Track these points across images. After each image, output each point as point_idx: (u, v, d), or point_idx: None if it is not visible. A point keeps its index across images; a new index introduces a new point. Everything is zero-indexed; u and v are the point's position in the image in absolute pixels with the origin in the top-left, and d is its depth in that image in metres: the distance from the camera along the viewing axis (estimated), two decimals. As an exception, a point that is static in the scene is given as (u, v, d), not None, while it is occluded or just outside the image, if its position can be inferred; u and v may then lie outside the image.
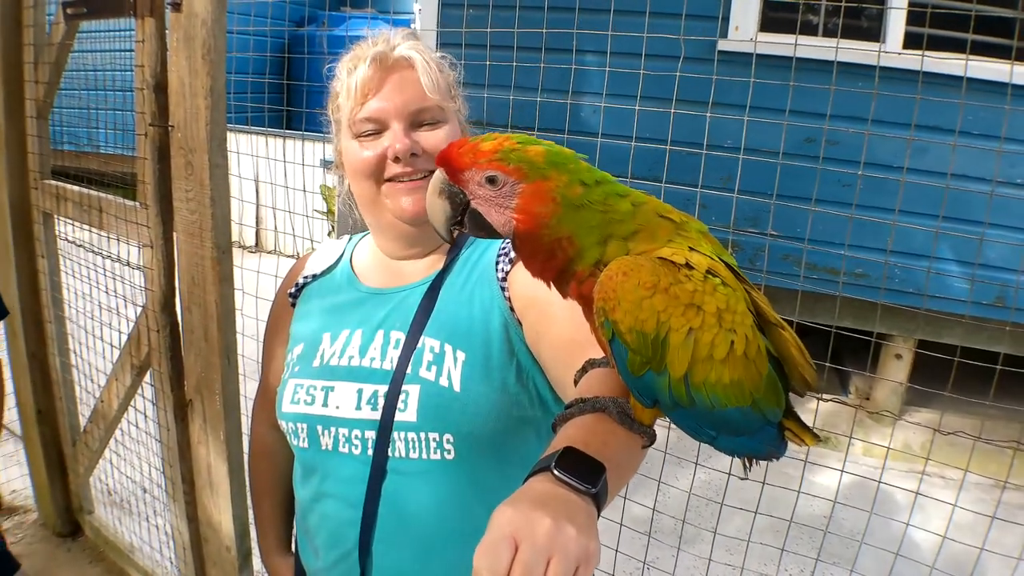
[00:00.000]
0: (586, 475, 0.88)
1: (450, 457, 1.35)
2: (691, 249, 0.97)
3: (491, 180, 0.93)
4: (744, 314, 0.95)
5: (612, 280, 0.92)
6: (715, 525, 2.74)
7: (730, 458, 2.59)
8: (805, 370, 1.01)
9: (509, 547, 0.75)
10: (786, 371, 1.02)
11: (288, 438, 1.51)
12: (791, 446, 1.08)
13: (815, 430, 1.08)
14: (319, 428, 1.42)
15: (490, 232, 0.99)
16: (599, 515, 0.89)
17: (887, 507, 3.73)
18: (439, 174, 0.97)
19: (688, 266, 0.93)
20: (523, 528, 0.77)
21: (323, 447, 1.43)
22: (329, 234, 7.04)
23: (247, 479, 2.05)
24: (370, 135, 1.42)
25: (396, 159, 1.40)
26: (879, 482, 2.58)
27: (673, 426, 1.07)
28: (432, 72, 1.41)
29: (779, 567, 2.95)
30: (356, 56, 1.44)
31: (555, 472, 0.87)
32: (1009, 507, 3.29)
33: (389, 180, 1.43)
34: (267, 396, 1.73)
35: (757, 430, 1.01)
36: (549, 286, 1.01)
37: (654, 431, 1.03)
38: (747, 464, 1.13)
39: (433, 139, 1.42)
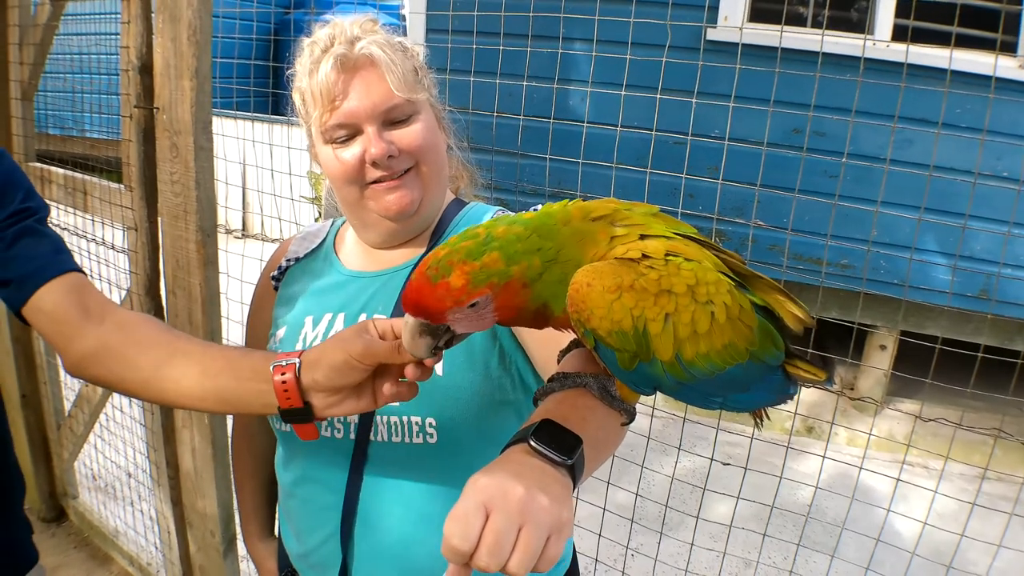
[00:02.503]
0: (563, 447, 0.89)
1: (432, 441, 1.35)
2: (642, 237, 0.99)
3: (472, 306, 0.96)
4: (717, 282, 0.96)
5: (579, 293, 0.94)
6: (700, 512, 2.76)
7: (713, 445, 2.60)
8: (793, 308, 1.04)
9: (481, 515, 0.76)
10: (777, 315, 1.04)
11: (271, 421, 1.51)
12: (773, 440, 1.10)
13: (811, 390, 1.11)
14: None
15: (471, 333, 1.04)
16: (575, 488, 0.90)
17: (871, 496, 3.75)
18: (414, 321, 0.99)
19: (645, 256, 0.96)
20: (496, 497, 0.77)
21: None
22: (316, 220, 7.02)
23: (231, 463, 2.04)
24: (344, 140, 1.40)
25: (374, 163, 1.39)
26: (860, 468, 2.60)
27: (656, 413, 1.09)
28: (397, 67, 1.38)
29: (760, 553, 2.97)
30: (315, 57, 1.40)
31: (532, 443, 0.88)
32: (992, 497, 3.31)
33: (371, 183, 1.41)
34: None
35: (762, 379, 1.03)
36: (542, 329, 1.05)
37: (634, 409, 1.05)
38: (759, 420, 1.16)
39: (408, 136, 1.40)
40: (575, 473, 0.89)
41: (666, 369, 0.96)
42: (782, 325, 1.05)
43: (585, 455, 0.92)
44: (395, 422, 1.35)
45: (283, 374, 1.15)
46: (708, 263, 0.98)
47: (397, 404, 1.33)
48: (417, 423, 1.34)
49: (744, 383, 1.02)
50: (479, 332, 1.37)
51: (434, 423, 1.34)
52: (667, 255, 0.96)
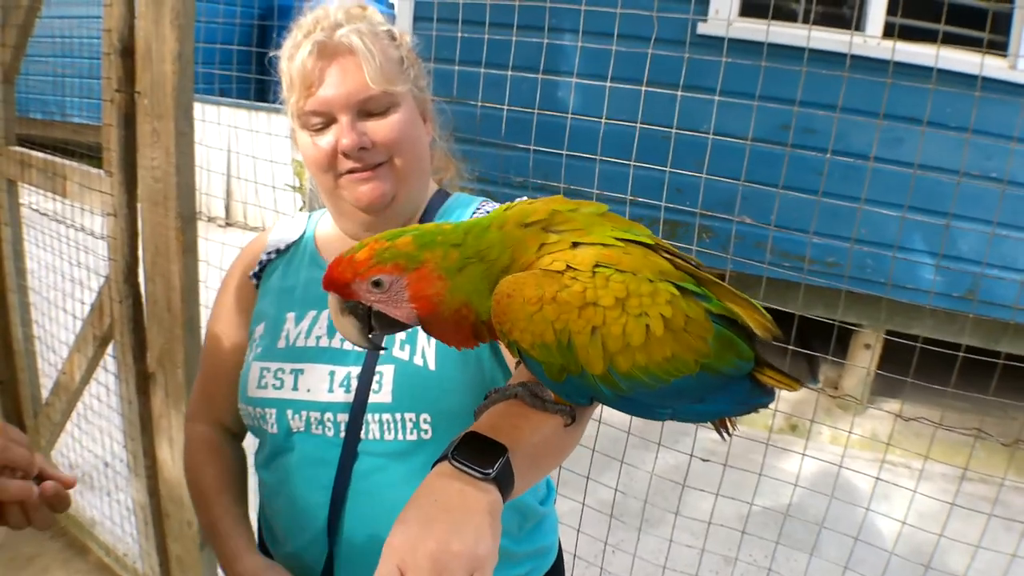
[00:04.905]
0: (485, 460, 0.91)
1: (427, 437, 1.33)
2: (575, 244, 0.99)
3: (377, 284, 0.98)
4: (655, 293, 0.95)
5: (500, 304, 0.95)
6: (682, 509, 2.75)
7: (693, 441, 2.58)
8: (758, 317, 1.03)
9: None
10: (742, 323, 1.03)
11: (252, 422, 1.47)
12: (755, 438, 1.10)
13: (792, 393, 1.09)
14: (289, 412, 1.39)
15: (400, 326, 1.04)
16: (508, 497, 0.92)
17: (854, 495, 3.76)
18: (333, 297, 1.02)
19: (570, 268, 0.96)
20: (407, 557, 0.81)
21: (294, 430, 1.40)
22: (301, 209, 6.98)
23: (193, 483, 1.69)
24: (320, 128, 1.38)
25: (345, 154, 1.37)
26: (840, 466, 2.59)
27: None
28: (375, 59, 1.35)
29: (740, 551, 2.96)
30: (296, 41, 1.38)
31: (452, 461, 0.91)
32: (973, 498, 3.32)
33: (344, 173, 1.40)
34: (211, 389, 1.62)
35: (721, 389, 1.02)
36: (472, 347, 1.06)
37: (570, 408, 1.05)
38: (725, 429, 1.14)
39: (383, 129, 1.38)
40: (502, 484, 0.91)
41: (599, 382, 0.96)
42: (751, 333, 1.03)
43: (520, 461, 0.94)
44: (387, 419, 1.33)
45: None
46: (647, 272, 0.97)
47: (390, 401, 1.32)
48: (411, 419, 1.33)
49: (696, 394, 1.01)
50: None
51: (429, 419, 1.33)
52: (596, 266, 0.95)
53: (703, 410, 1.05)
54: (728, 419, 1.12)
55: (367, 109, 1.37)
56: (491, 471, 0.89)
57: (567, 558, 2.80)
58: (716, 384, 1.01)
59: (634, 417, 1.04)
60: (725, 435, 1.15)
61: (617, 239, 1.00)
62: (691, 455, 2.51)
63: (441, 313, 0.99)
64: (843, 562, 2.63)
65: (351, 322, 1.03)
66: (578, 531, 2.62)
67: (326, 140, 1.38)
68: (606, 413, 2.06)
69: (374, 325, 1.04)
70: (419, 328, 1.35)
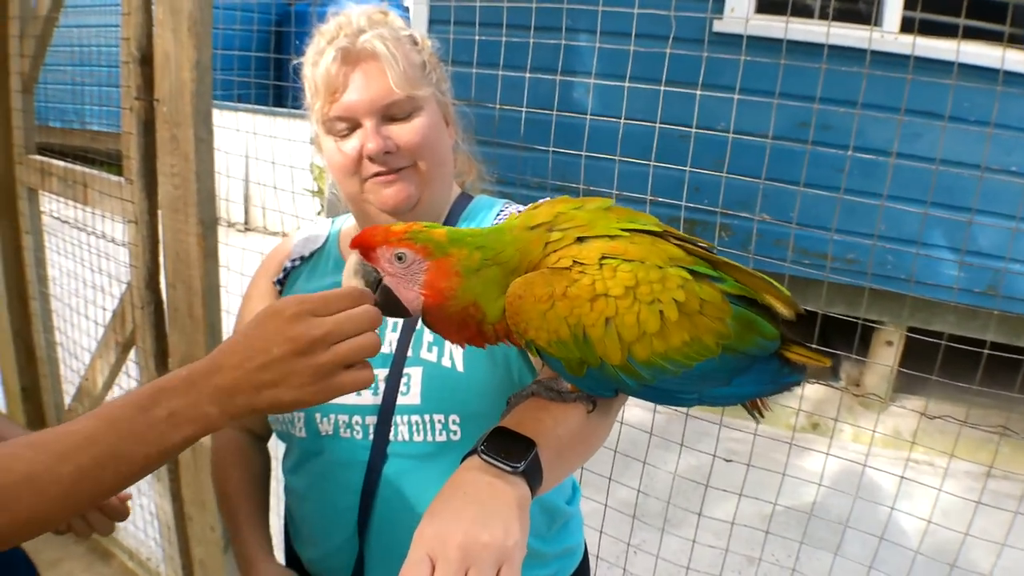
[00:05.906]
0: (513, 454, 0.92)
1: (456, 438, 1.34)
2: (579, 239, 1.00)
3: (400, 257, 0.99)
4: (665, 279, 0.96)
5: (512, 305, 0.97)
6: (705, 509, 2.74)
7: (716, 441, 2.57)
8: (779, 295, 1.03)
9: (426, 567, 0.81)
10: (763, 303, 1.03)
11: (279, 428, 1.48)
12: (777, 437, 1.09)
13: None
14: (317, 416, 1.40)
15: (401, 311, 1.03)
16: (536, 492, 0.93)
17: (876, 494, 3.73)
18: (355, 256, 1.03)
19: (577, 263, 0.97)
20: (437, 547, 0.82)
21: (322, 433, 1.40)
22: (319, 213, 7.00)
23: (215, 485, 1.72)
24: (345, 133, 1.39)
25: (370, 159, 1.38)
26: (864, 465, 2.57)
27: (659, 408, 1.07)
28: (398, 63, 1.36)
29: (763, 551, 2.95)
30: (319, 48, 1.39)
31: (482, 455, 0.92)
32: (997, 495, 3.28)
33: (369, 177, 1.40)
34: None
35: (747, 370, 1.02)
36: (469, 345, 1.07)
37: (587, 394, 1.06)
38: (758, 411, 1.14)
39: (407, 133, 1.39)
40: (530, 477, 0.92)
41: (620, 372, 0.97)
42: (774, 313, 1.03)
43: (547, 455, 0.96)
44: (416, 421, 1.34)
45: None
46: (656, 259, 0.98)
47: (419, 402, 1.33)
48: (440, 421, 1.33)
49: (723, 377, 1.01)
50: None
51: (458, 419, 1.33)
52: (603, 258, 0.96)
53: (731, 393, 1.05)
54: (760, 400, 1.12)
55: (391, 113, 1.38)
56: (520, 465, 0.91)
57: (590, 559, 2.79)
58: (741, 365, 1.01)
59: (656, 416, 1.04)
60: (758, 416, 1.15)
61: (623, 230, 1.01)
62: (713, 455, 2.50)
63: (448, 308, 1.00)
64: (867, 561, 2.61)
65: (359, 283, 1.03)
66: (600, 532, 2.61)
67: (351, 145, 1.38)
68: (627, 414, 2.06)
69: (377, 302, 1.04)
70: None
